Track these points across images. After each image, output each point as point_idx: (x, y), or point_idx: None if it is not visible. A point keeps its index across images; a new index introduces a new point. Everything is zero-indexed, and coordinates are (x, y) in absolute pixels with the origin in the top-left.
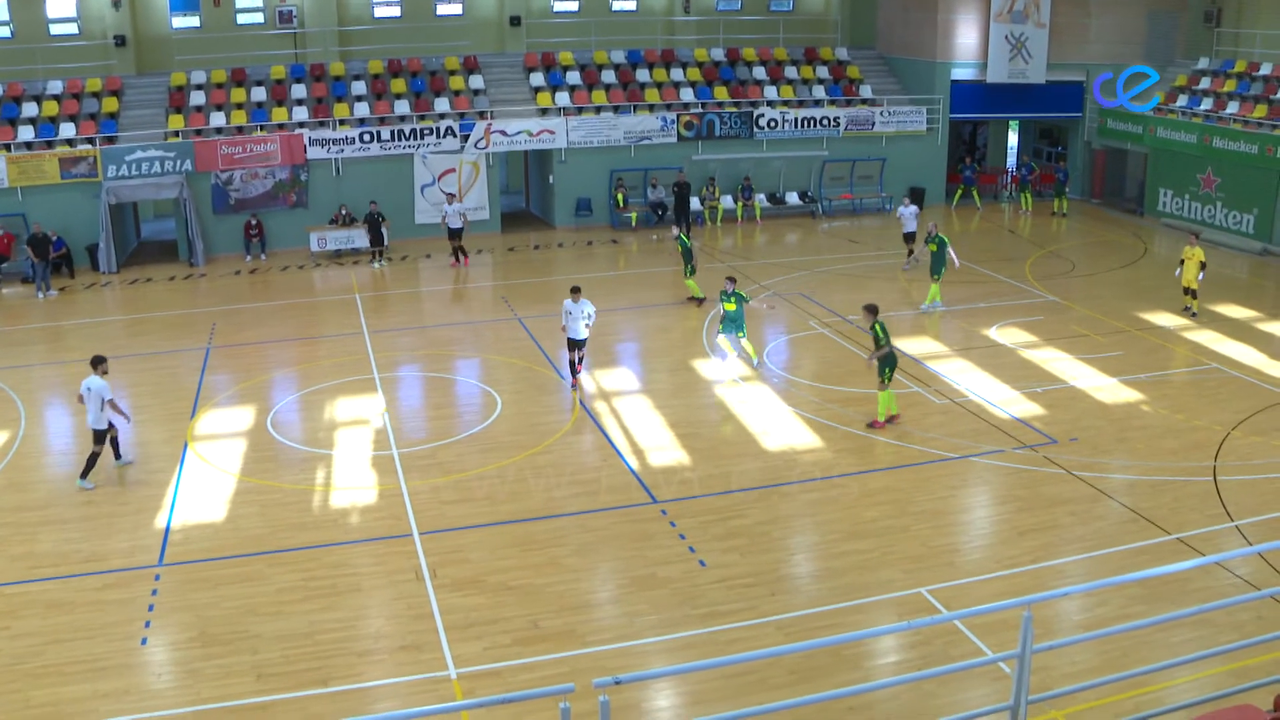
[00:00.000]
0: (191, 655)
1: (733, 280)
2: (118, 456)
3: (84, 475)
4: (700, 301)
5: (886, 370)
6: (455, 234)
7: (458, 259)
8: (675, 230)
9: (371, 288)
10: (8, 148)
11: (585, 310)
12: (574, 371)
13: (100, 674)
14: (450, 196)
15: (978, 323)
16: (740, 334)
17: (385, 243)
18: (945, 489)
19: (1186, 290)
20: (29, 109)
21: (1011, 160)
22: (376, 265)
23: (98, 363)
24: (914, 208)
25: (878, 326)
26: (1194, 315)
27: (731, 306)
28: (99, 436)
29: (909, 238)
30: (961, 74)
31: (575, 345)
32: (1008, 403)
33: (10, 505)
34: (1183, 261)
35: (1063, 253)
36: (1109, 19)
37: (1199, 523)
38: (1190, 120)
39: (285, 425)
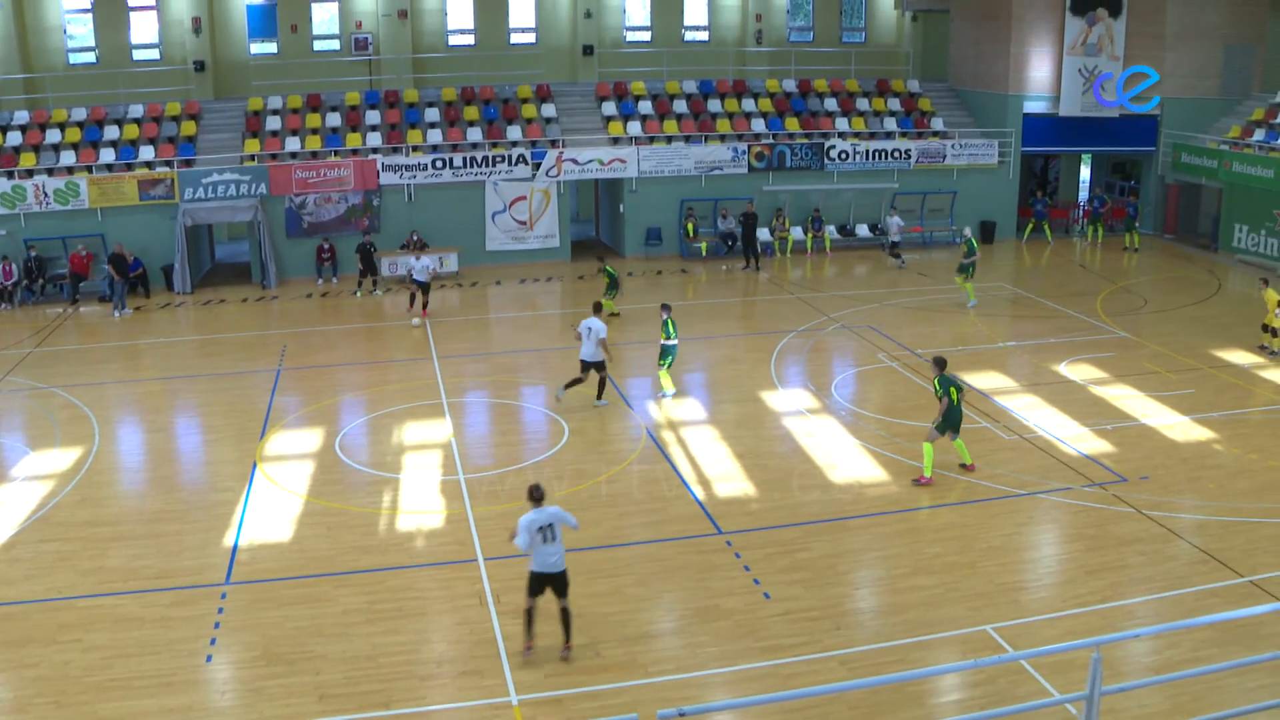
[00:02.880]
0: (255, 674)
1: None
2: (600, 398)
3: (565, 387)
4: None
5: (942, 424)
6: (421, 287)
7: (412, 304)
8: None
9: (442, 314)
10: (89, 169)
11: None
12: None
13: (166, 689)
14: (420, 252)
15: (1048, 358)
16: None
17: (378, 273)
18: (1012, 526)
19: (1266, 328)
20: (110, 132)
21: (1084, 195)
22: (357, 294)
23: (598, 309)
24: (899, 220)
25: (937, 382)
26: (1274, 354)
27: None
28: (585, 367)
29: (894, 246)
30: (1034, 107)
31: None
32: (1077, 440)
33: (82, 520)
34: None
35: (1134, 288)
36: (1184, 52)
37: (1273, 565)
38: (1267, 155)
39: (353, 448)
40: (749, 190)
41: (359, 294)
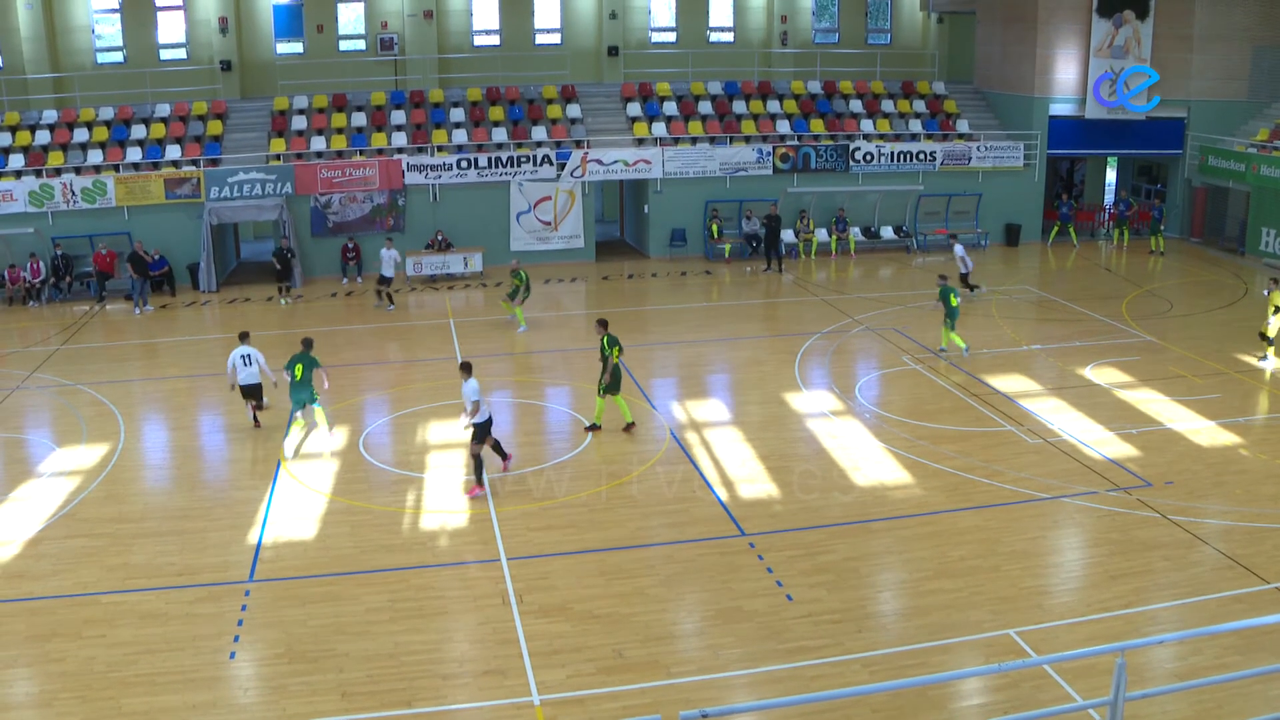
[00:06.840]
0: (279, 671)
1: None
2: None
3: None
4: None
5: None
6: (385, 280)
7: (380, 298)
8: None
9: (465, 313)
10: (116, 168)
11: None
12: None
13: (190, 685)
14: (389, 242)
15: (1073, 361)
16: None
17: (294, 279)
18: (1036, 530)
19: (1264, 336)
20: (137, 131)
21: (1109, 198)
22: (284, 301)
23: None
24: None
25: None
26: (1263, 359)
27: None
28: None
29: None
30: (1060, 109)
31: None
32: (1102, 443)
33: (108, 516)
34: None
35: (1160, 292)
36: (1212, 55)
37: None
38: None
39: (377, 447)
40: (774, 192)
41: (285, 301)
